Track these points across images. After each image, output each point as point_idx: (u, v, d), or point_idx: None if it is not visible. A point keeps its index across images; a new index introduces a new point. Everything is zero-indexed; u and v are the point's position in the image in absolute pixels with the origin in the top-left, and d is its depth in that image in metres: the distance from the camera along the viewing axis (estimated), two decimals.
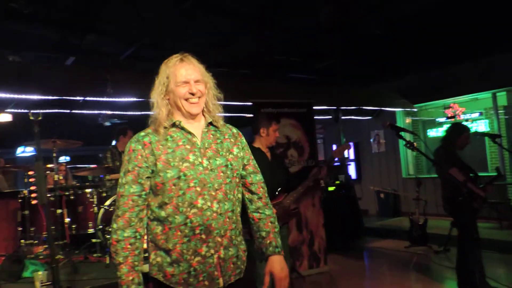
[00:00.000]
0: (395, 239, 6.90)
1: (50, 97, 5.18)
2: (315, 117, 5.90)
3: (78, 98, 5.44)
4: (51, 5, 5.39)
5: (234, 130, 1.92)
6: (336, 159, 3.73)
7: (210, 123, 1.80)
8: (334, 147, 10.69)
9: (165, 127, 1.73)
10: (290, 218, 3.56)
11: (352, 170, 10.01)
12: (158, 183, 1.66)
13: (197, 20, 6.04)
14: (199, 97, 1.74)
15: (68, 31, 5.89)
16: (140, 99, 5.97)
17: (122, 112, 6.50)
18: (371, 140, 9.78)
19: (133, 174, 1.67)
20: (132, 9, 5.74)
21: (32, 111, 2.15)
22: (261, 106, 5.21)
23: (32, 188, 4.33)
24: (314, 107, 5.89)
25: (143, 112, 6.86)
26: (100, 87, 5.18)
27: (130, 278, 1.60)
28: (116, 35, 6.55)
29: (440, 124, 8.99)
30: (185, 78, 1.73)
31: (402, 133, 2.87)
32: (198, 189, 1.67)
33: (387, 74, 8.63)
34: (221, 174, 1.73)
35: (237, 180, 1.82)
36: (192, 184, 1.66)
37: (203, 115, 1.81)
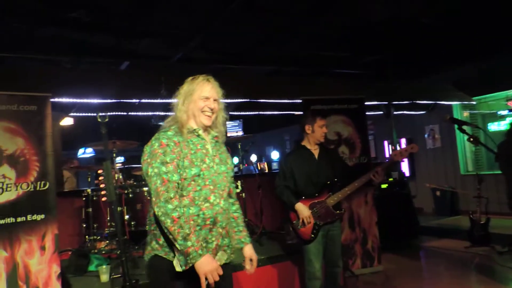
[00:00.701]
0: (454, 239, 6.58)
1: (109, 101, 5.46)
2: (366, 113, 5.76)
3: (134, 100, 5.69)
4: (108, 12, 5.68)
5: (225, 147, 2.31)
6: (398, 161, 3.52)
7: (215, 137, 2.18)
8: (386, 143, 10.38)
9: (187, 131, 2.07)
10: (332, 219, 3.49)
11: (405, 167, 9.67)
12: (181, 177, 1.98)
13: (244, 20, 6.10)
14: (212, 113, 2.11)
15: (124, 36, 6.17)
16: None
17: (173, 113, 6.72)
18: (426, 135, 9.39)
19: (173, 165, 1.96)
20: (181, 12, 5.92)
21: (100, 114, 2.30)
22: (311, 103, 5.18)
23: (102, 186, 4.60)
24: (366, 103, 5.75)
25: None
26: (154, 89, 5.39)
27: (200, 243, 1.92)
28: (167, 39, 6.78)
29: (503, 117, 8.44)
30: (208, 94, 2.10)
31: (464, 127, 2.74)
32: (211, 187, 2.04)
33: (441, 65, 8.22)
34: (225, 178, 2.14)
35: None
36: (207, 183, 2.03)
37: (210, 129, 2.17)
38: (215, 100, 2.12)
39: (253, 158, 14.33)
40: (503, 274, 4.87)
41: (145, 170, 2.02)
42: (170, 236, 1.90)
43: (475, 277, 5.02)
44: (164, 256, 2.01)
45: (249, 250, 2.27)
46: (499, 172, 4.05)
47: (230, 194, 2.27)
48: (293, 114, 8.48)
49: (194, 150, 2.04)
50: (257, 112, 8.34)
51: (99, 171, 5.21)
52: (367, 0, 5.31)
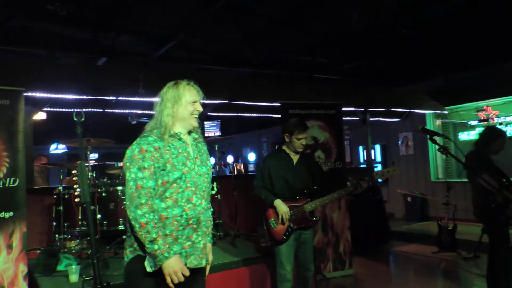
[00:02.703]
0: (423, 244, 6.78)
1: (85, 97, 5.35)
2: (343, 118, 5.86)
3: (111, 97, 5.60)
4: (85, 7, 5.58)
5: (206, 147, 2.36)
6: (379, 180, 3.67)
7: (195, 139, 2.27)
8: (361, 149, 10.58)
9: (169, 135, 2.13)
10: (306, 225, 3.55)
11: None
12: (164, 181, 2.05)
13: (226, 21, 6.12)
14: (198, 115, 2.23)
15: (101, 32, 6.08)
16: None
17: (151, 112, 6.65)
18: (399, 142, 9.62)
19: (150, 171, 2.03)
20: (162, 10, 5.87)
21: (76, 112, 2.26)
22: (289, 107, 5.22)
23: (75, 186, 4.49)
24: (342, 108, 5.85)
25: None
26: (132, 87, 5.32)
27: (167, 246, 1.99)
28: (147, 36, 6.71)
29: (472, 127, 8.75)
30: (195, 98, 2.21)
31: (435, 137, 2.83)
32: (193, 189, 2.13)
33: (416, 75, 8.46)
34: (206, 179, 2.23)
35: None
36: (189, 185, 2.11)
37: (192, 131, 2.26)
38: (197, 102, 2.22)
39: (230, 159, 14.31)
40: (468, 280, 5.05)
41: (124, 173, 2.10)
42: (140, 239, 2.01)
43: (441, 282, 5.18)
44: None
45: (209, 247, 2.36)
46: (467, 180, 4.20)
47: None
48: (271, 117, 8.53)
49: (176, 154, 2.11)
50: (235, 114, 8.34)
51: (73, 171, 5.09)
52: (345, 9, 5.42)
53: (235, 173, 11.27)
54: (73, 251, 4.37)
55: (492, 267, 3.75)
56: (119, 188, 4.60)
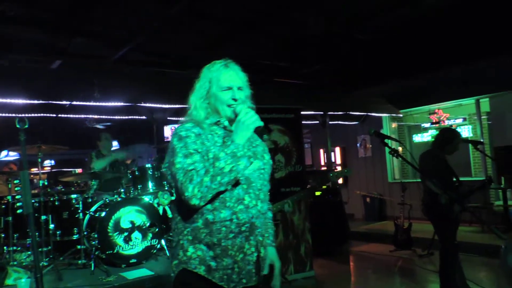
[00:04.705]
0: (381, 243, 6.99)
1: (36, 102, 5.13)
2: (302, 122, 5.94)
3: (64, 102, 5.39)
4: (37, 6, 5.34)
5: (260, 140, 1.94)
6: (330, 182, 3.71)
7: None
8: (322, 152, 10.78)
9: (209, 123, 1.76)
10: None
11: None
12: None
13: (185, 25, 6.05)
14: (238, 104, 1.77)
15: (55, 33, 5.83)
16: (128, 104, 5.95)
17: (109, 116, 6.47)
18: (358, 145, 9.89)
19: (199, 154, 1.64)
20: (119, 12, 5.73)
21: (19, 115, 2.14)
22: None
23: (17, 197, 4.29)
24: (302, 112, 5.93)
25: (129, 117, 6.83)
26: (87, 91, 5.15)
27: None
28: (103, 39, 6.51)
29: (425, 130, 9.15)
30: (229, 84, 1.76)
31: (387, 140, 2.92)
32: (245, 186, 1.70)
33: (373, 80, 8.74)
34: (260, 175, 1.79)
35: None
36: (239, 181, 1.68)
37: None
38: (239, 88, 1.79)
39: None
40: (423, 276, 5.25)
41: (170, 171, 1.72)
42: (214, 186, 1.59)
43: (398, 279, 5.35)
44: (194, 270, 1.67)
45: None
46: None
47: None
48: None
49: (220, 143, 1.71)
50: None
51: (15, 182, 4.85)
52: (301, 14, 5.51)
53: None
54: (24, 264, 4.16)
55: (441, 264, 3.93)
56: (73, 196, 4.44)
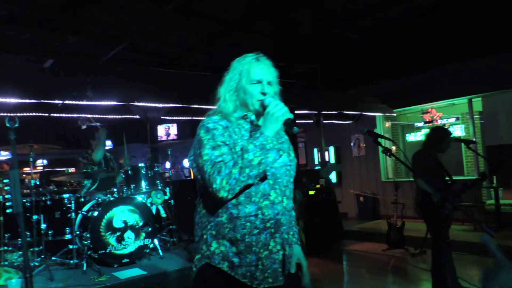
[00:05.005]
0: (374, 242, 7.01)
1: (28, 101, 5.09)
2: (296, 121, 5.94)
3: (57, 101, 5.36)
4: (29, 5, 5.31)
5: (287, 136, 1.92)
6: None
7: None
8: (316, 151, 10.80)
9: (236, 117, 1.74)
10: None
11: (332, 174, 10.12)
12: None
13: (178, 24, 6.04)
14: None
15: (47, 32, 5.80)
16: (121, 103, 5.92)
17: (102, 116, 6.43)
18: (352, 144, 9.91)
19: (226, 146, 1.63)
20: (112, 11, 5.71)
21: (9, 115, 2.11)
22: None
23: (7, 196, 4.26)
24: (296, 111, 5.94)
25: (123, 116, 6.80)
26: (80, 90, 5.13)
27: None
28: (96, 38, 6.49)
29: (418, 129, 9.19)
30: (259, 77, 1.74)
31: (380, 140, 2.93)
32: (271, 182, 1.67)
33: (366, 79, 8.78)
34: (286, 172, 1.76)
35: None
36: (265, 176, 1.65)
37: None
38: (269, 83, 1.77)
39: (187, 163, 14.13)
40: (415, 275, 5.28)
41: (196, 163, 1.69)
42: (242, 179, 1.57)
43: (391, 278, 5.37)
44: (217, 266, 1.64)
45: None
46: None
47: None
48: None
49: (247, 137, 1.71)
50: (190, 117, 8.25)
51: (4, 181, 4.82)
52: (297, 14, 5.52)
53: (192, 178, 11.15)
54: (15, 264, 4.13)
55: (433, 262, 3.95)
56: (65, 195, 4.41)
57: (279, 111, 1.63)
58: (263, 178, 1.65)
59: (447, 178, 4.03)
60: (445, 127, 8.42)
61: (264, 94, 1.73)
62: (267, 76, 1.76)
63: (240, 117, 1.76)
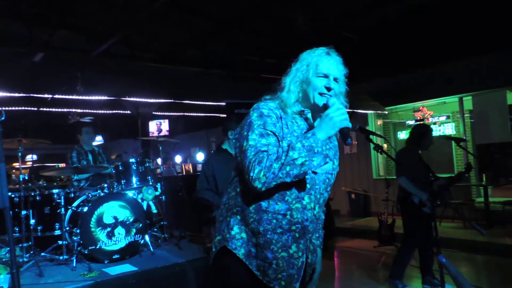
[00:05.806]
0: (365, 239, 7.06)
1: (17, 94, 5.02)
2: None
3: (46, 95, 5.29)
4: None
5: (336, 142, 1.89)
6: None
7: None
8: None
9: (293, 111, 1.68)
10: None
11: None
12: None
13: (171, 19, 5.99)
14: (330, 96, 1.67)
15: (37, 26, 5.72)
16: (112, 98, 5.88)
17: (92, 111, 6.37)
18: None
19: (274, 138, 1.57)
20: (104, 5, 5.64)
21: None
22: (234, 106, 5.23)
23: None
24: None
25: (114, 111, 6.75)
26: (70, 85, 5.07)
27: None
28: (87, 32, 6.41)
29: (410, 127, 9.25)
30: (326, 71, 1.68)
31: (372, 137, 2.94)
32: (308, 186, 1.62)
33: (359, 76, 8.79)
34: (326, 180, 1.72)
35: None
36: (304, 178, 1.59)
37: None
38: (335, 79, 1.71)
39: (178, 159, 14.08)
40: (406, 272, 5.30)
41: (239, 144, 1.63)
42: (280, 175, 1.50)
43: (381, 274, 5.40)
44: (233, 251, 1.61)
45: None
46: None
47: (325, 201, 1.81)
48: (219, 116, 8.50)
49: (298, 133, 1.64)
50: (182, 113, 8.21)
51: None
52: (291, 12, 5.50)
53: (184, 173, 11.12)
54: (4, 260, 4.07)
55: (420, 258, 4.04)
56: (55, 191, 4.36)
57: (338, 117, 1.56)
58: (302, 180, 1.59)
59: (430, 174, 4.09)
60: (435, 125, 8.50)
61: (328, 89, 1.67)
62: (334, 71, 1.70)
63: (297, 112, 1.70)
